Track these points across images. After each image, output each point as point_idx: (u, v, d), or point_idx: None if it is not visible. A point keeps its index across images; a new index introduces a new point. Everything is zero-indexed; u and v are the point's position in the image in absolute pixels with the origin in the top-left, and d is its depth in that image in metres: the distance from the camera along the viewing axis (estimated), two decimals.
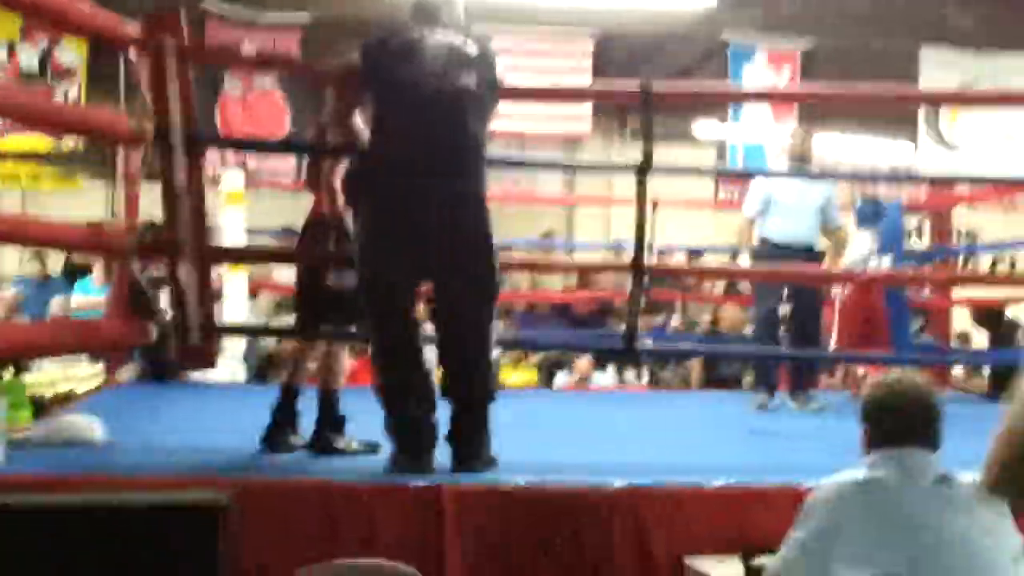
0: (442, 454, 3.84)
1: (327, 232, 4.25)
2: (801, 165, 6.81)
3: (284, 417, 4.30)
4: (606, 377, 8.75)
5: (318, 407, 4.28)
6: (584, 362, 8.57)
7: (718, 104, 10.29)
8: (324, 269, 4.25)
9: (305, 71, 4.55)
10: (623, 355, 8.07)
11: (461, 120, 3.81)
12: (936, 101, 9.28)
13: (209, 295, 4.08)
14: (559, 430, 5.46)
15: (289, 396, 4.32)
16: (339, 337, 4.34)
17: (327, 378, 4.34)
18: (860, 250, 7.27)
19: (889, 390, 2.79)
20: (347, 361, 4.43)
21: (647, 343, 6.61)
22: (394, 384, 3.85)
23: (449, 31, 3.89)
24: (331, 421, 4.26)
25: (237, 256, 5.85)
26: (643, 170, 4.40)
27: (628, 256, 4.57)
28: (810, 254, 6.67)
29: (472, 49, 3.86)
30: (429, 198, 3.76)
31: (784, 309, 6.89)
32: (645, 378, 9.01)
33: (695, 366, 8.78)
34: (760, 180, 7.01)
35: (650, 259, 5.62)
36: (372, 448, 4.22)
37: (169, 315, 4.10)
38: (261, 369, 7.96)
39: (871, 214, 7.50)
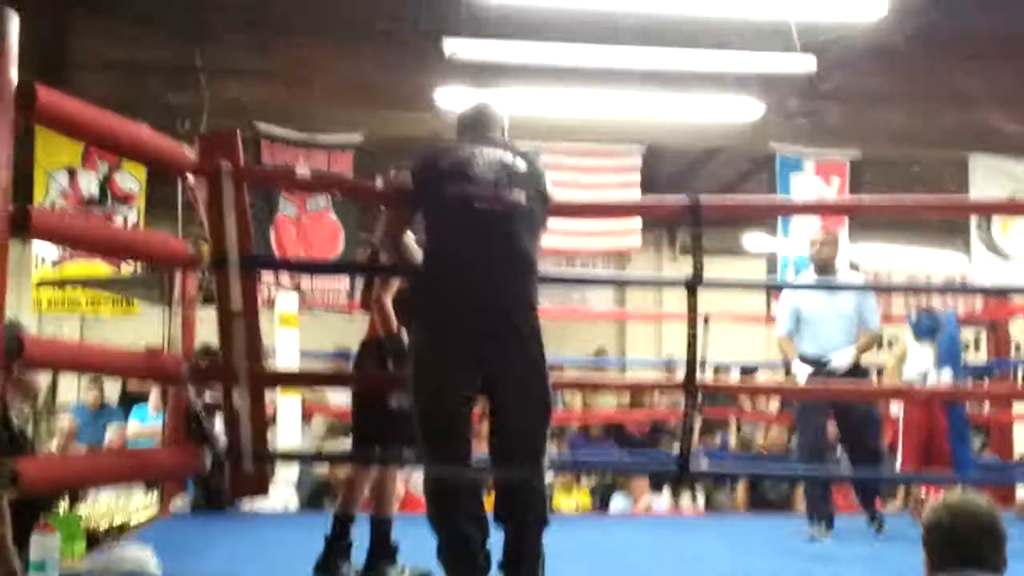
0: None
1: (381, 353, 4.26)
2: (824, 274, 6.50)
3: (338, 546, 4.25)
4: (661, 500, 8.60)
5: (370, 535, 4.24)
6: (642, 485, 8.42)
7: (768, 217, 10.29)
8: (379, 391, 4.25)
9: (358, 190, 4.58)
10: (678, 478, 7.93)
11: (513, 236, 3.82)
12: (983, 212, 9.20)
13: (263, 420, 4.06)
14: (613, 559, 5.35)
15: (342, 524, 4.29)
16: (392, 461, 4.31)
17: (379, 505, 4.31)
18: (919, 364, 7.17)
19: (950, 512, 2.71)
20: (399, 487, 4.39)
21: (702, 465, 6.47)
22: (447, 507, 3.76)
23: (498, 147, 3.93)
24: (383, 549, 4.21)
25: (291, 380, 5.86)
26: (693, 284, 4.37)
27: (680, 373, 4.50)
28: (853, 369, 6.39)
29: (521, 165, 3.89)
30: (483, 314, 3.75)
31: (832, 429, 6.68)
32: (701, 501, 8.86)
33: (740, 488, 8.62)
34: (787, 295, 6.82)
35: (702, 377, 5.54)
36: None
37: (223, 442, 4.09)
38: (314, 496, 7.90)
39: (928, 326, 7.40)
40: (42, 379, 6.06)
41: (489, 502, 3.90)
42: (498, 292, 3.78)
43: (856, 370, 6.38)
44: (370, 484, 4.38)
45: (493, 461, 3.89)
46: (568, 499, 8.52)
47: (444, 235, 3.88)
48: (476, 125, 4.05)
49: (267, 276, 8.40)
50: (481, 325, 3.74)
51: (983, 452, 8.77)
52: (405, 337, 4.16)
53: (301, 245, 9.20)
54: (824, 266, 6.43)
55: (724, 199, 6.54)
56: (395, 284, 4.36)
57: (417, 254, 4.11)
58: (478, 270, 3.78)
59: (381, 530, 4.24)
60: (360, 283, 4.72)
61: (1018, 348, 11.26)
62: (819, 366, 6.25)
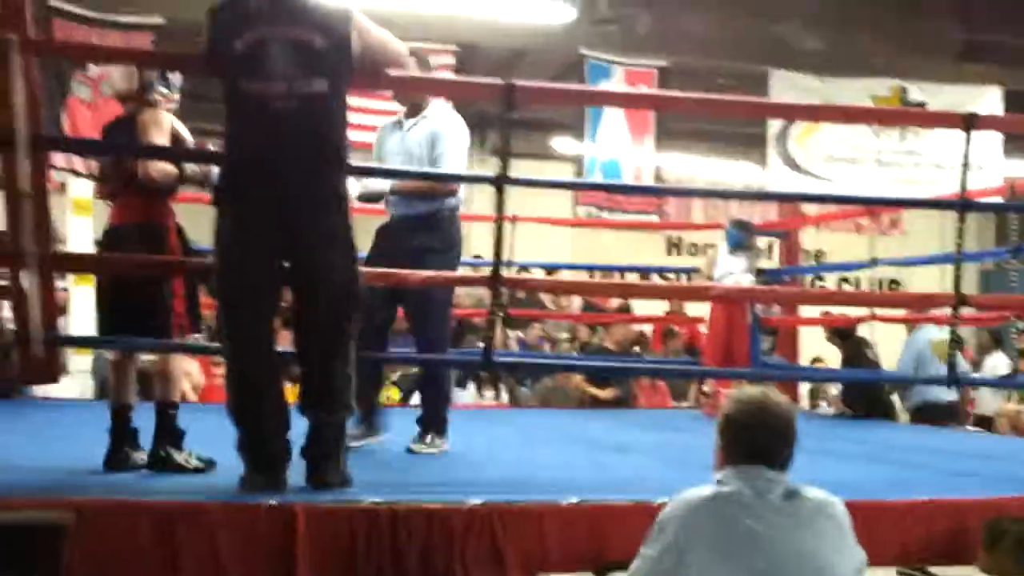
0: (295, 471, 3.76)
1: (144, 238, 4.12)
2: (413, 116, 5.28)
3: (121, 436, 4.14)
4: (465, 395, 8.71)
5: (155, 421, 4.14)
6: None
7: (576, 122, 10.40)
8: (145, 278, 4.13)
9: (157, 64, 4.38)
10: (482, 370, 8.06)
11: (316, 134, 3.73)
12: (787, 116, 9.51)
13: (53, 306, 3.91)
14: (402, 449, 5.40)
15: (120, 414, 4.16)
16: (179, 349, 4.21)
17: (163, 391, 4.19)
18: (730, 271, 7.56)
19: (748, 406, 2.81)
20: (199, 377, 4.29)
21: (505, 359, 6.57)
22: (247, 397, 3.74)
23: (295, 23, 3.69)
24: (169, 435, 4.12)
25: (81, 265, 5.60)
26: (500, 183, 4.36)
27: (486, 271, 4.53)
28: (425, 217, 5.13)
29: (320, 41, 3.68)
30: (285, 212, 3.68)
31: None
32: (505, 395, 9.04)
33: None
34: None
35: (508, 274, 5.57)
36: (210, 464, 4.12)
37: (11, 326, 3.93)
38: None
39: (739, 237, 7.76)
40: None
41: (293, 393, 3.88)
42: (299, 191, 3.70)
43: (429, 219, 5.11)
44: (156, 370, 4.24)
45: (298, 351, 3.86)
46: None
47: (241, 132, 3.76)
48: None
49: (60, 160, 7.99)
50: (285, 224, 3.68)
51: (772, 353, 9.19)
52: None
53: (96, 129, 8.78)
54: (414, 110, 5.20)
55: (538, 84, 6.41)
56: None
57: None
58: (277, 171, 3.68)
59: (165, 415, 4.13)
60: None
61: (807, 256, 11.78)
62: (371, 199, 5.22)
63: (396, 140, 5.06)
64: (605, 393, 8.72)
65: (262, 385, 3.75)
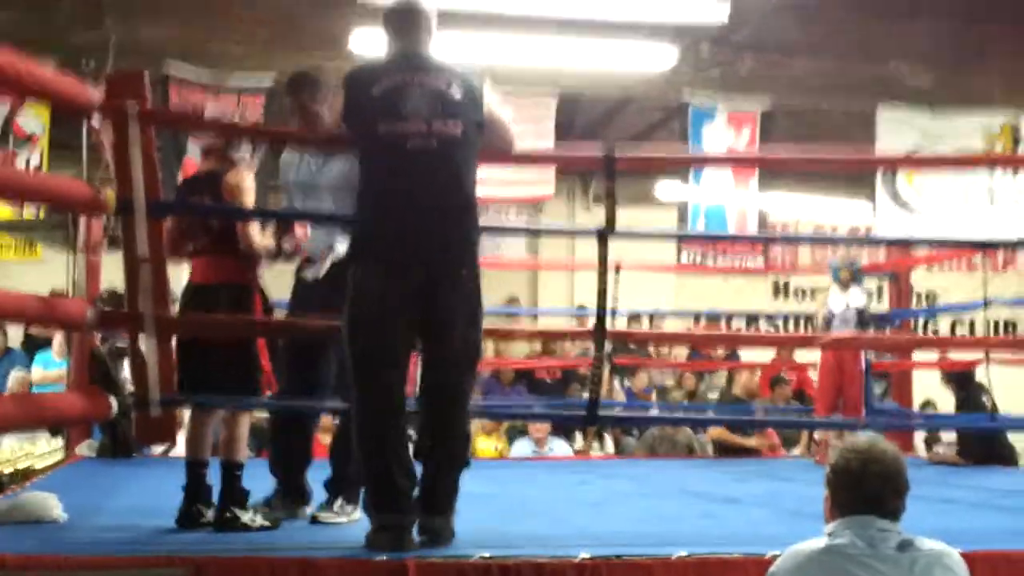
0: None
1: (231, 297, 4.19)
2: None
3: (195, 494, 4.18)
4: (563, 445, 8.68)
5: (221, 481, 4.16)
6: (543, 428, 8.50)
7: (680, 167, 10.40)
8: (224, 337, 4.17)
9: (270, 135, 4.49)
10: (586, 425, 8.05)
11: (450, 175, 3.73)
12: (891, 166, 9.39)
13: (169, 367, 4.01)
14: (521, 501, 5.42)
15: (194, 471, 4.21)
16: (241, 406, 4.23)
17: (229, 450, 4.20)
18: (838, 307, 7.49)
19: (858, 456, 2.77)
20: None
21: (612, 411, 6.55)
22: (378, 454, 3.72)
23: (432, 72, 3.77)
24: (233, 494, 4.15)
25: (198, 326, 5.74)
26: (604, 234, 4.38)
27: (591, 322, 4.54)
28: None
29: (457, 92, 3.75)
30: (421, 261, 3.69)
31: None
32: (610, 445, 9.01)
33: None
34: None
35: (613, 324, 5.59)
36: (276, 523, 4.15)
37: (130, 388, 4.04)
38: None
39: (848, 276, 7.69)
40: None
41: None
42: (435, 238, 3.71)
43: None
44: (221, 427, 4.26)
45: (423, 402, 3.85)
46: (487, 442, 8.59)
47: (378, 177, 3.78)
48: (406, 27, 3.85)
49: None
50: (420, 272, 3.69)
51: (884, 399, 9.01)
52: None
53: None
54: None
55: (637, 152, 6.50)
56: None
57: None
58: (414, 215, 3.69)
59: (231, 475, 4.15)
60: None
61: (919, 298, 11.54)
62: None
63: None
64: (751, 442, 8.66)
65: (393, 442, 3.74)
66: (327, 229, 4.47)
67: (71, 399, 4.34)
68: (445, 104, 3.74)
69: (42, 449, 6.80)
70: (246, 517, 4.11)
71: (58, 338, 8.36)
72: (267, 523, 4.14)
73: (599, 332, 4.44)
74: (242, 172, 4.29)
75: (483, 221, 3.89)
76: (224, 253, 4.21)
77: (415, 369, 3.98)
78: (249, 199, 4.25)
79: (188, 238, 4.28)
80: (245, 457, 4.24)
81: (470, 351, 3.82)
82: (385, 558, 3.46)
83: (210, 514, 4.15)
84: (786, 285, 13.63)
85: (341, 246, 4.34)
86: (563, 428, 8.70)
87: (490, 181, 9.25)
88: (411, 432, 3.91)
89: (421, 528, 3.75)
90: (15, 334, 9.51)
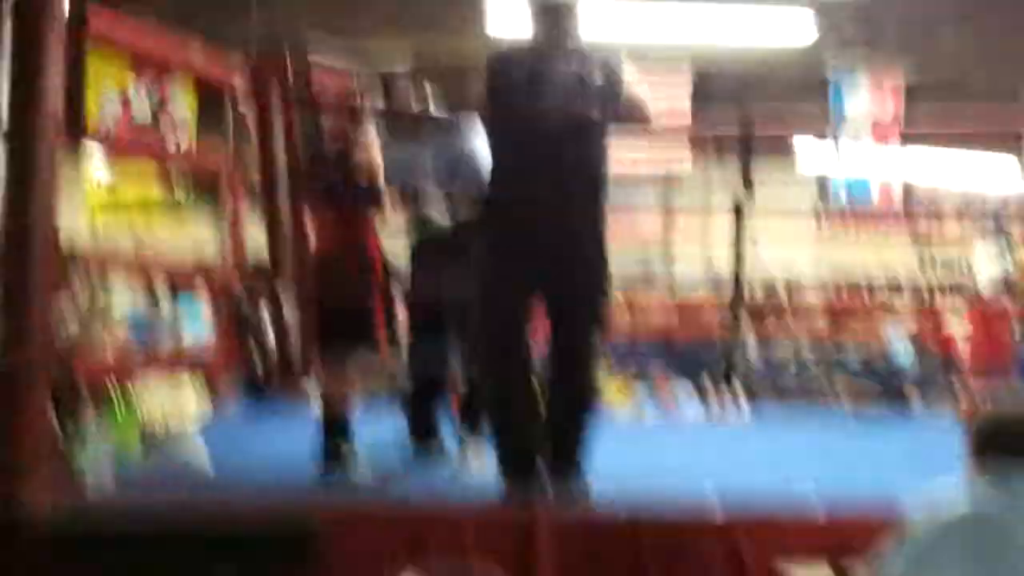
0: None
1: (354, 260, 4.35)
2: None
3: (332, 444, 4.34)
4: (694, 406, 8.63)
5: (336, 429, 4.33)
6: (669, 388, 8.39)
7: (819, 136, 10.23)
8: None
9: (404, 117, 4.59)
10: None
11: (582, 153, 3.80)
12: None
13: (311, 332, 4.14)
14: (654, 458, 5.41)
15: (330, 420, 4.38)
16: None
17: (344, 400, 4.37)
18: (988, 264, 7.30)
19: (1000, 411, 2.71)
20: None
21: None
22: (506, 414, 3.85)
23: (573, 58, 3.84)
24: (340, 454, 4.30)
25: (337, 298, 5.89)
26: (740, 210, 4.35)
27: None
28: None
29: (597, 77, 3.82)
30: (549, 235, 3.78)
31: None
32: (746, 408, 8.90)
33: None
34: None
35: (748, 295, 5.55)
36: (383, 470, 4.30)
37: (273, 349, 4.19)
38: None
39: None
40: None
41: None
42: (566, 217, 3.79)
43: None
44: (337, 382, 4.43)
45: (550, 368, 3.92)
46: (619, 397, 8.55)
47: (511, 152, 3.88)
48: (552, 18, 3.93)
49: None
50: (547, 246, 3.78)
51: None
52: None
53: None
54: None
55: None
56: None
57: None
58: (545, 193, 3.77)
59: (341, 430, 4.32)
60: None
61: None
62: None
63: None
64: None
65: (520, 402, 3.83)
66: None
67: (220, 360, 4.52)
68: (584, 88, 3.80)
69: (190, 400, 7.03)
70: (352, 468, 4.24)
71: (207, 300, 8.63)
72: (365, 461, 4.26)
73: (735, 303, 4.43)
74: (371, 151, 4.43)
75: (620, 197, 3.93)
76: (347, 224, 4.38)
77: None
78: (381, 176, 4.39)
79: (314, 211, 4.43)
80: (355, 410, 4.38)
81: (598, 306, 3.87)
82: (516, 511, 3.53)
83: (350, 459, 4.29)
84: (931, 255, 13.29)
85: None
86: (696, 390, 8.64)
87: (625, 161, 9.25)
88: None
89: (553, 481, 3.80)
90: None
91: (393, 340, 4.58)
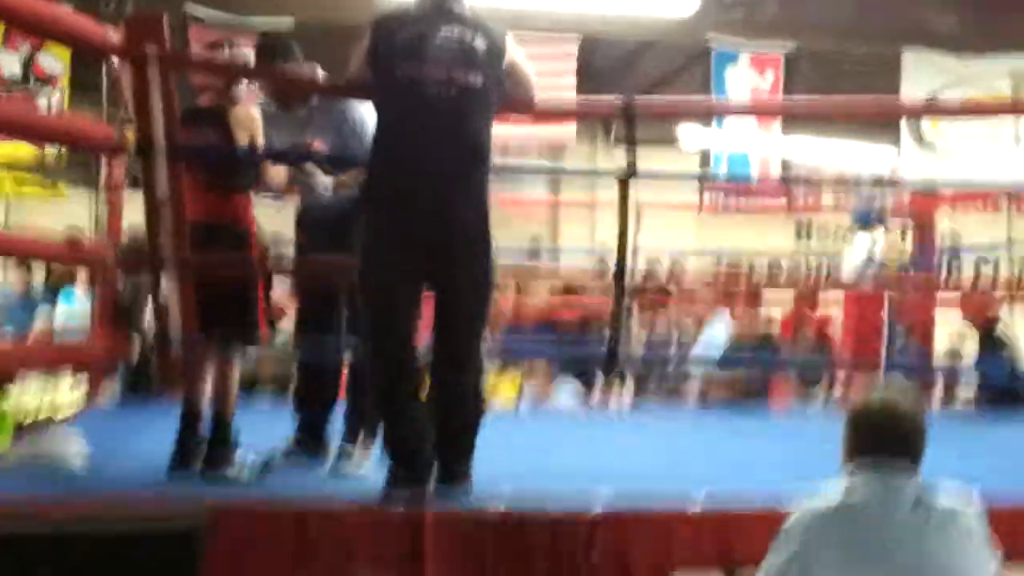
0: None
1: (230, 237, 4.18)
2: None
3: (187, 439, 4.13)
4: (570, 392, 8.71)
5: (210, 429, 4.11)
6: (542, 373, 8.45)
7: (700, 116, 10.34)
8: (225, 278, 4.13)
9: (291, 83, 4.47)
10: (607, 367, 8.05)
11: (465, 123, 3.74)
12: (913, 114, 9.28)
13: (191, 309, 4.03)
14: (538, 451, 5.41)
15: (187, 417, 4.15)
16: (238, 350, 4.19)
17: (220, 397, 4.14)
18: (859, 254, 7.44)
19: (873, 401, 2.77)
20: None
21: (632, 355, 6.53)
22: (393, 405, 3.75)
23: (457, 23, 3.78)
24: (221, 445, 4.10)
25: (218, 268, 5.76)
26: (626, 177, 4.36)
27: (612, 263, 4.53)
28: None
29: (481, 43, 3.77)
30: (431, 207, 3.70)
31: None
32: (629, 393, 8.99)
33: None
34: None
35: (634, 266, 5.58)
36: (264, 472, 4.11)
37: (152, 329, 4.06)
38: (246, 384, 7.85)
39: (866, 215, 7.64)
40: None
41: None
42: (447, 185, 3.72)
43: None
44: (213, 379, 4.17)
45: (435, 352, 3.84)
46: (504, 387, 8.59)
47: (394, 120, 3.79)
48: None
49: None
50: (429, 218, 3.70)
51: (907, 342, 8.96)
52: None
53: None
54: None
55: (658, 100, 6.44)
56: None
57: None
58: (427, 160, 3.70)
59: (220, 425, 4.10)
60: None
61: (943, 240, 11.46)
62: None
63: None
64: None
65: (407, 396, 3.76)
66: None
67: (95, 340, 4.37)
68: (467, 54, 3.75)
69: (64, 392, 6.84)
70: (232, 471, 4.06)
71: (82, 276, 8.41)
72: (252, 475, 4.08)
73: (619, 279, 4.44)
74: (249, 109, 4.25)
75: (505, 162, 3.88)
76: (222, 190, 4.18)
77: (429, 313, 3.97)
78: (260, 135, 4.23)
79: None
80: (233, 408, 4.16)
81: (481, 297, 3.82)
82: (402, 509, 3.48)
83: (199, 463, 4.10)
84: (808, 225, 13.56)
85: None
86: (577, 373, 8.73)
87: (511, 123, 9.22)
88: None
89: (439, 478, 3.76)
90: (39, 273, 9.58)
91: (270, 325, 4.38)
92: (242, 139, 4.19)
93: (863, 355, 7.13)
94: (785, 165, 10.68)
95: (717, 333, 8.82)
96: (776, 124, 10.52)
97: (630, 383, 8.89)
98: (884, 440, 2.70)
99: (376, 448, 4.12)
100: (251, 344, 4.20)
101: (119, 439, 5.12)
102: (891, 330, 7.50)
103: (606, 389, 8.68)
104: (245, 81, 4.33)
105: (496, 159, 3.91)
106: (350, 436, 4.44)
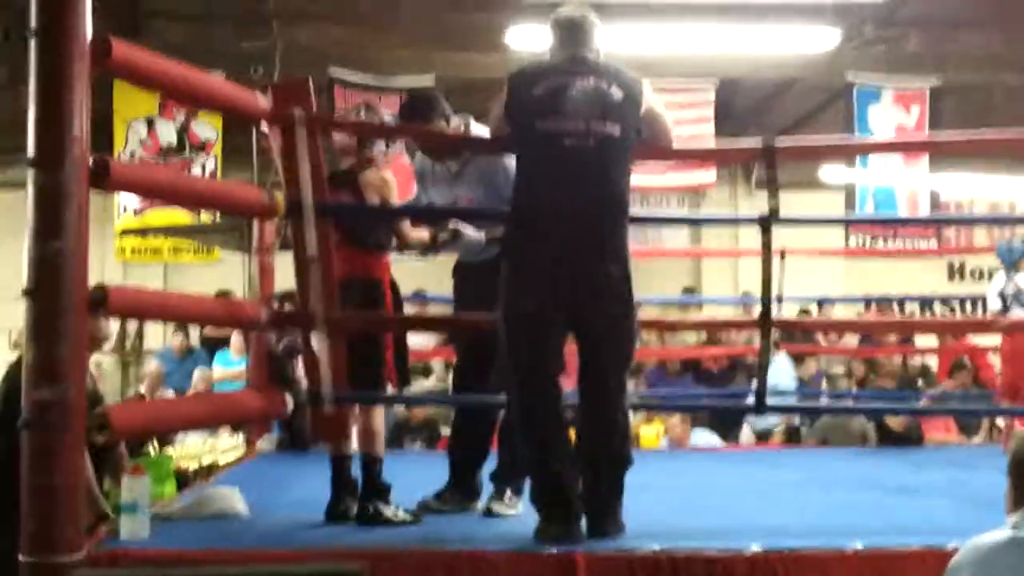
0: None
1: (364, 292, 4.27)
2: None
3: (342, 487, 4.26)
4: (742, 436, 8.59)
5: (362, 474, 4.21)
6: (675, 420, 8.33)
7: (844, 156, 10.15)
8: (364, 331, 4.25)
9: (435, 137, 4.56)
10: (756, 414, 7.94)
11: (605, 175, 3.79)
12: None
13: (341, 364, 4.11)
14: (690, 492, 5.37)
15: (339, 465, 4.28)
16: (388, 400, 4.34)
17: (368, 445, 4.26)
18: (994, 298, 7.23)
19: None
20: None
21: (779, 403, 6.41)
22: (541, 447, 3.79)
23: (593, 74, 3.83)
24: (376, 489, 4.19)
25: (368, 323, 5.90)
26: (767, 222, 4.31)
27: (757, 309, 4.48)
28: None
29: (617, 93, 3.81)
30: (573, 258, 3.74)
31: None
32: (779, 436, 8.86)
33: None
34: None
35: (778, 313, 5.49)
36: (417, 517, 4.20)
37: (304, 385, 4.16)
38: (395, 435, 8.00)
39: (1011, 252, 7.43)
40: (112, 326, 6.19)
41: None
42: (588, 235, 3.76)
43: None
44: (357, 424, 4.33)
45: (579, 399, 3.89)
46: (649, 429, 8.51)
47: (534, 173, 3.85)
48: (573, 33, 3.94)
49: None
50: (572, 269, 3.74)
51: None
52: None
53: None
54: None
55: (799, 140, 6.35)
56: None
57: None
58: (569, 212, 3.75)
59: (371, 470, 4.20)
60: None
61: None
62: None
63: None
64: (895, 422, 8.32)
65: (554, 438, 3.79)
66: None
67: (250, 397, 4.49)
68: (605, 105, 3.79)
69: (224, 445, 7.05)
70: (388, 511, 4.15)
71: (236, 338, 8.70)
72: (409, 517, 4.19)
73: (765, 321, 4.38)
74: (384, 172, 4.37)
75: (645, 211, 3.89)
76: (355, 248, 4.29)
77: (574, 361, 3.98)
78: (394, 195, 4.33)
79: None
80: (382, 451, 4.28)
81: (623, 346, 3.84)
82: (555, 551, 3.50)
83: (355, 507, 4.22)
84: (961, 267, 13.16)
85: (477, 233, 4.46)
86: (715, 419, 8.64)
87: (651, 171, 9.23)
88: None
89: (590, 520, 3.77)
90: (194, 333, 9.93)
91: (404, 381, 4.48)
92: (373, 200, 4.31)
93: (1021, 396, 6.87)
94: (934, 199, 10.38)
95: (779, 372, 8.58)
96: (924, 160, 10.25)
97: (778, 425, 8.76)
98: None
99: (526, 495, 4.14)
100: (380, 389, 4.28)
101: (277, 489, 5.26)
102: None
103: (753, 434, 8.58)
104: (381, 144, 4.43)
105: (637, 208, 3.93)
106: (501, 484, 4.48)
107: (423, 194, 4.80)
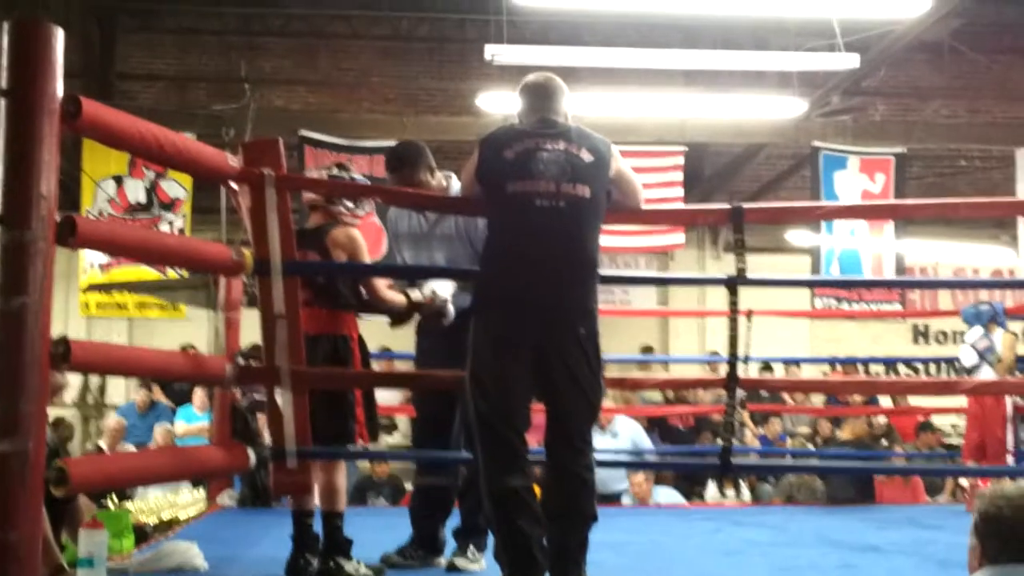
0: None
1: (332, 348, 4.28)
2: None
3: (303, 543, 4.24)
4: (706, 494, 8.61)
5: (323, 531, 4.20)
6: (639, 478, 8.34)
7: (809, 220, 10.27)
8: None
9: (405, 198, 4.60)
10: (721, 474, 7.98)
11: (575, 235, 3.81)
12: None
13: (305, 420, 4.11)
14: (655, 550, 5.38)
15: (300, 521, 4.27)
16: (342, 456, 4.31)
17: (329, 501, 4.26)
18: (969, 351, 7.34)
19: (1010, 504, 2.66)
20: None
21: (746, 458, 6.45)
22: (505, 503, 3.75)
23: (562, 137, 3.88)
24: (337, 544, 4.19)
25: (332, 380, 5.90)
26: (734, 284, 4.36)
27: (723, 369, 4.51)
28: None
29: (587, 156, 3.85)
30: (543, 319, 3.76)
31: None
32: (746, 493, 8.87)
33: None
34: None
35: (746, 372, 5.54)
36: (379, 572, 4.21)
37: (267, 440, 4.15)
38: (358, 491, 7.98)
39: (976, 315, 7.55)
40: (68, 378, 6.18)
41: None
42: (558, 296, 3.78)
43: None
44: (319, 480, 4.31)
45: (546, 458, 3.87)
46: None
47: (505, 234, 3.88)
48: (541, 98, 4.00)
49: None
50: (541, 327, 3.75)
51: None
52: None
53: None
54: None
55: (766, 206, 6.43)
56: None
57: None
58: (538, 272, 3.77)
59: (332, 526, 4.21)
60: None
61: None
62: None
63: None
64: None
65: (519, 494, 3.76)
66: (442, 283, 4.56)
67: (213, 451, 4.47)
68: (575, 167, 3.83)
69: (185, 499, 7.00)
70: (349, 567, 4.16)
71: (199, 393, 8.69)
72: (371, 572, 4.19)
73: (731, 380, 4.41)
74: (351, 229, 4.39)
75: (614, 271, 3.91)
76: (324, 305, 4.31)
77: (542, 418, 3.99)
78: (364, 254, 4.35)
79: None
80: (344, 506, 4.28)
81: (591, 403, 3.85)
82: None
83: (314, 564, 4.20)
84: (926, 329, 13.29)
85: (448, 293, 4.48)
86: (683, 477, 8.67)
87: (620, 231, 9.29)
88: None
89: None
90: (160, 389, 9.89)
91: (373, 437, 4.48)
92: (340, 258, 4.32)
93: (987, 456, 6.92)
94: (900, 266, 10.49)
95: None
96: (889, 225, 10.37)
97: (744, 484, 8.79)
98: (1011, 545, 2.59)
99: (489, 552, 4.12)
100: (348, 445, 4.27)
101: (238, 544, 5.22)
102: (1015, 431, 7.29)
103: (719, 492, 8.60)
104: (348, 201, 4.46)
105: (605, 268, 3.95)
106: (464, 539, 4.48)
107: (397, 253, 4.84)
